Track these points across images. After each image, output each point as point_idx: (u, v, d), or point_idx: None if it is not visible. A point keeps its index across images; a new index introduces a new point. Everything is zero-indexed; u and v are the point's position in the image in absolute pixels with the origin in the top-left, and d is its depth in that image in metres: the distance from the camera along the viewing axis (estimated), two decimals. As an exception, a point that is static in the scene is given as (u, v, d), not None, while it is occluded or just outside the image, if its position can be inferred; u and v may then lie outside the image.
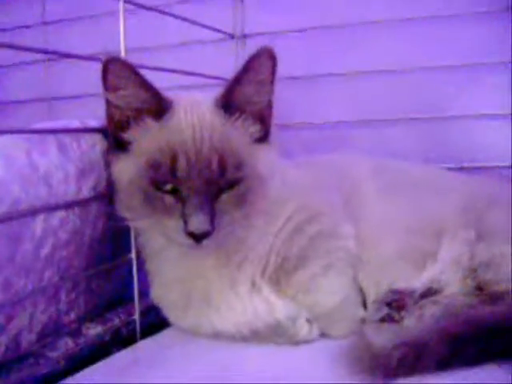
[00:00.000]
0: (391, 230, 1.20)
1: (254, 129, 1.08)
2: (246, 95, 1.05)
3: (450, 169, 1.51)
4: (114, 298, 1.35)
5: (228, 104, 1.05)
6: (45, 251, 1.05)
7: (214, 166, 1.00)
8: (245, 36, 1.80)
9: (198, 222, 0.98)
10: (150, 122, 1.04)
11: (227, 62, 1.71)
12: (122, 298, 1.36)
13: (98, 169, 1.13)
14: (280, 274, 1.15)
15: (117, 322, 1.27)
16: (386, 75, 1.65)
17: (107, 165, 1.12)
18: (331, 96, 1.74)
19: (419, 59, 1.63)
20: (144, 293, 1.25)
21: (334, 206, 1.21)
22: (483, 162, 1.56)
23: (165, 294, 1.19)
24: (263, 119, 1.08)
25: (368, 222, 1.21)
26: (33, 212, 0.98)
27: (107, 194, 1.13)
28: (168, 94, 1.07)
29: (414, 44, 1.64)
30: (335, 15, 1.69)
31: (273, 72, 1.03)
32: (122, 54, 1.18)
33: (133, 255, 1.22)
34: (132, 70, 1.01)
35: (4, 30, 2.06)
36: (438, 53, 1.62)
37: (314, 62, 1.74)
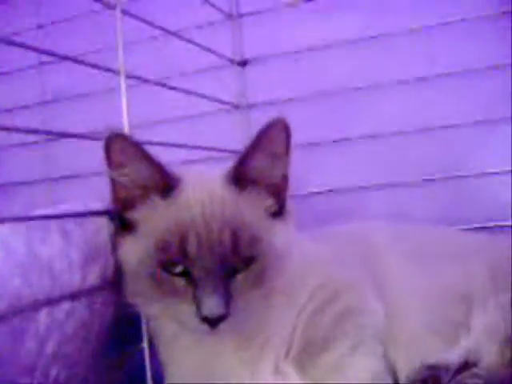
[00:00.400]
0: (418, 302, 1.15)
1: (268, 203, 1.03)
2: (259, 169, 1.00)
3: (466, 229, 1.47)
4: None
5: (239, 178, 1.00)
6: (50, 347, 0.96)
7: (227, 241, 0.94)
8: (249, 106, 1.75)
9: (211, 306, 0.91)
10: (156, 199, 0.99)
11: (233, 134, 1.68)
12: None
13: (104, 254, 1.06)
14: (305, 357, 1.08)
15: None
16: (397, 137, 1.59)
17: (114, 248, 1.05)
18: (341, 162, 1.71)
19: (429, 119, 1.61)
20: (159, 381, 1.16)
21: (357, 280, 1.15)
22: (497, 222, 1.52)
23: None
24: (278, 193, 1.03)
25: (393, 294, 1.15)
26: (36, 306, 0.90)
27: (115, 281, 1.05)
28: (175, 170, 1.02)
29: (423, 104, 1.62)
30: (340, 79, 1.65)
31: (287, 144, 0.98)
32: (126, 130, 1.12)
33: (145, 344, 1.13)
34: (136, 146, 0.96)
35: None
36: (446, 112, 1.60)
37: (320, 129, 1.71)
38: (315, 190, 1.70)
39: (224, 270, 0.94)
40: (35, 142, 1.99)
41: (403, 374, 1.10)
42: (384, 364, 1.10)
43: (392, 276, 1.18)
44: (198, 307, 0.92)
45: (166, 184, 0.99)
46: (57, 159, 2.02)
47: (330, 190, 1.68)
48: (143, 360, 1.16)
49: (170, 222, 0.96)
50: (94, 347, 1.09)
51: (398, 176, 1.64)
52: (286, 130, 0.97)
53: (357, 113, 1.68)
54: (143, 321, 1.14)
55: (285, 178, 1.02)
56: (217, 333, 0.95)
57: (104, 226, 1.07)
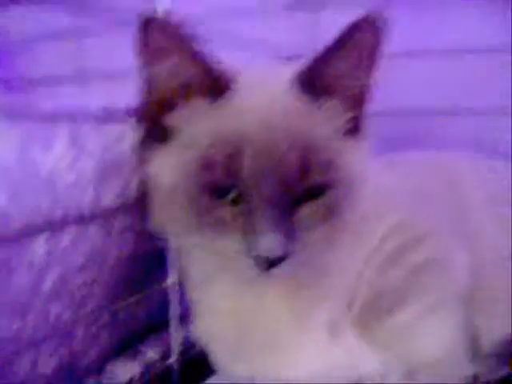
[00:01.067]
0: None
1: (345, 118, 0.81)
2: (338, 75, 0.78)
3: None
4: (146, 326, 1.08)
5: (312, 84, 0.79)
6: (48, 282, 0.75)
7: (293, 163, 0.74)
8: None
9: (270, 243, 0.73)
10: (202, 103, 0.77)
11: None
12: (156, 326, 1.08)
13: (125, 169, 0.84)
14: (370, 315, 0.88)
15: (150, 356, 1.02)
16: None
17: (140, 161, 0.82)
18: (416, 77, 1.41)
19: None
20: (185, 318, 0.98)
21: (442, 224, 0.94)
22: None
23: (213, 330, 0.92)
24: (356, 106, 0.82)
25: (481, 248, 0.96)
26: (29, 231, 0.68)
27: (139, 203, 0.84)
28: (228, 67, 0.79)
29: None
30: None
31: (377, 50, 0.78)
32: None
33: (169, 282, 0.92)
34: (180, 33, 0.74)
35: None
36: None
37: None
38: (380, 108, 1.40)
39: (287, 200, 0.75)
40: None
41: (486, 343, 0.93)
42: (463, 334, 0.91)
43: (481, 225, 0.98)
44: (252, 243, 0.73)
45: (215, 83, 0.78)
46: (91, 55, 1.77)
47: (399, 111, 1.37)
48: (167, 301, 0.96)
49: (219, 133, 0.76)
50: (108, 282, 0.89)
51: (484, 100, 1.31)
52: (379, 34, 0.77)
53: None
54: (170, 254, 0.91)
55: (367, 89, 0.81)
56: (270, 276, 0.76)
57: (127, 132, 0.84)
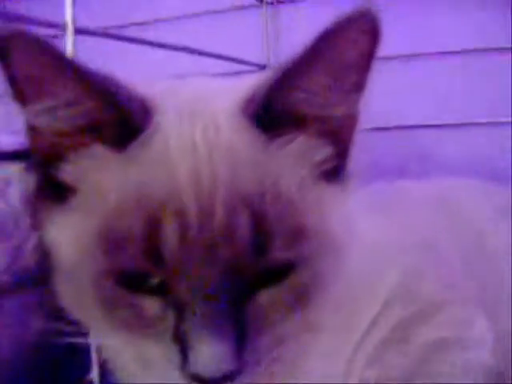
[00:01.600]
0: None
1: (322, 155, 0.57)
2: (312, 98, 0.54)
3: None
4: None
5: (271, 114, 0.54)
6: None
7: (243, 236, 0.50)
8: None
9: (212, 358, 0.50)
10: (105, 150, 0.54)
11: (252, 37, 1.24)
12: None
13: (16, 229, 0.59)
14: None
15: None
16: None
17: (34, 219, 0.60)
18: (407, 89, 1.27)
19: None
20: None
21: (456, 283, 0.74)
22: None
23: None
24: (339, 140, 0.58)
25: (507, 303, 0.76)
26: None
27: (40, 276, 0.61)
28: (145, 88, 0.55)
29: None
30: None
31: (369, 55, 0.53)
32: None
33: (95, 375, 0.70)
34: (59, 54, 0.51)
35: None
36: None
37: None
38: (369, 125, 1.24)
39: (236, 287, 0.52)
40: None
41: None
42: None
43: (505, 272, 0.78)
44: (186, 357, 0.51)
45: (123, 121, 0.53)
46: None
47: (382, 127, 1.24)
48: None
49: (129, 191, 0.52)
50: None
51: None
52: (373, 37, 0.53)
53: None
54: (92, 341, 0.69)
55: (354, 116, 0.57)
56: None
57: (19, 177, 0.60)
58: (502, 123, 1.19)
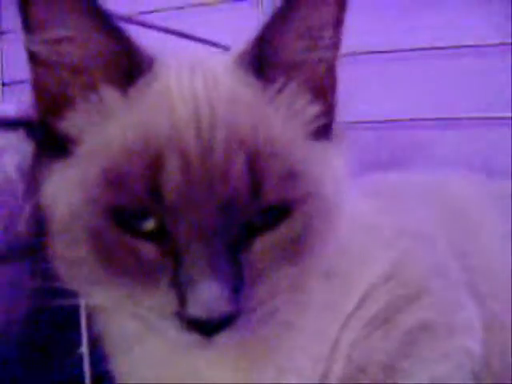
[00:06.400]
0: None
1: (311, 110, 0.61)
2: (294, 48, 0.59)
3: None
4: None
5: (263, 61, 0.59)
6: None
7: (241, 177, 0.54)
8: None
9: (209, 299, 0.51)
10: (110, 94, 0.56)
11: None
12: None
13: (11, 196, 0.60)
14: None
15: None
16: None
17: (33, 185, 0.59)
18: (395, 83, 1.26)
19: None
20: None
21: (444, 270, 0.74)
22: None
23: None
24: (322, 94, 0.62)
25: (498, 294, 0.76)
26: None
27: (33, 246, 0.60)
28: (147, 45, 0.58)
29: None
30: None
31: (340, 10, 0.59)
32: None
33: (84, 349, 0.69)
34: None
35: None
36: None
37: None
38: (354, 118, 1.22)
39: (233, 230, 0.54)
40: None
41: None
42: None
43: (498, 266, 0.79)
44: (183, 300, 0.52)
45: (128, 65, 0.56)
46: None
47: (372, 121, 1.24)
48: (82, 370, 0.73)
49: (132, 135, 0.54)
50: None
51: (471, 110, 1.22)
52: None
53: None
54: (82, 311, 0.68)
55: (332, 69, 0.61)
56: (211, 346, 0.54)
57: (16, 146, 0.60)
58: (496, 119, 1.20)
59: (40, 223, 0.58)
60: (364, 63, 1.24)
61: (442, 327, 0.70)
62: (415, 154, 1.25)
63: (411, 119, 1.24)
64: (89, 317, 0.72)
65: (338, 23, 0.59)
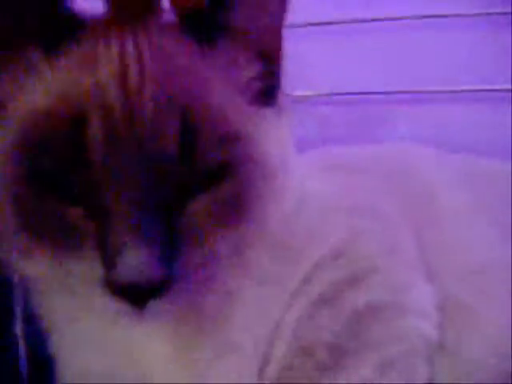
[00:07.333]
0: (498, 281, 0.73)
1: (253, 72, 0.59)
2: (240, 10, 0.57)
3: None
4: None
5: (207, 28, 0.57)
6: None
7: (171, 134, 0.51)
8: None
9: (136, 261, 0.48)
10: (35, 56, 0.54)
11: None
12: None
13: None
14: (293, 380, 0.63)
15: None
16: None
17: None
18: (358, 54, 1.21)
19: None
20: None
21: (397, 248, 0.72)
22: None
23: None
24: (268, 57, 0.60)
25: (455, 271, 0.73)
26: None
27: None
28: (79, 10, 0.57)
29: None
30: None
31: None
32: None
33: (18, 331, 0.67)
34: None
35: None
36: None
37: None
38: (310, 92, 1.20)
39: (165, 191, 0.51)
40: None
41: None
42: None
43: (455, 240, 0.76)
44: (109, 265, 0.49)
45: (56, 28, 0.54)
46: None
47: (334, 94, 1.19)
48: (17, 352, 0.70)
49: (54, 95, 0.52)
50: None
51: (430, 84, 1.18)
52: None
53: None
54: (16, 288, 0.66)
55: (278, 33, 0.60)
56: (142, 315, 0.51)
57: None
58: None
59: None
60: (335, 34, 1.22)
61: (392, 307, 0.68)
62: (375, 129, 1.22)
63: (369, 92, 1.21)
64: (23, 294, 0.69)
65: None
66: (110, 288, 0.49)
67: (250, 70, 0.58)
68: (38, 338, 0.70)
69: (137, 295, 0.49)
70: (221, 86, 0.56)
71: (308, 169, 0.72)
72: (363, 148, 0.89)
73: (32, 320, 0.69)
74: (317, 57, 1.16)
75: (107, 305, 0.51)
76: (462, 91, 1.16)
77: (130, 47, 0.54)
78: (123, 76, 0.51)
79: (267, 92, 0.60)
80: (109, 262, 0.48)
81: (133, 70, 0.52)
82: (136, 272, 0.48)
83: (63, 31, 0.54)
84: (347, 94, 1.20)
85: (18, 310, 0.70)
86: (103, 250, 0.49)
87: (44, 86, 0.52)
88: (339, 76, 1.19)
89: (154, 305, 0.50)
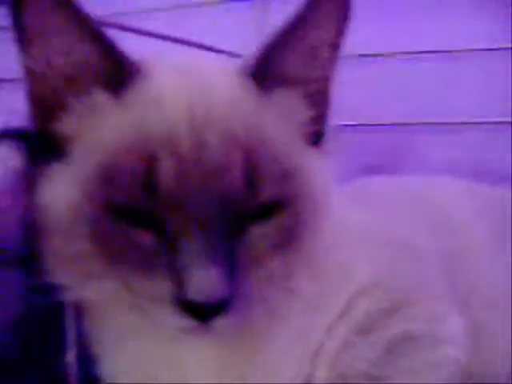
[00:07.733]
0: None
1: (305, 117, 0.64)
2: (295, 63, 0.63)
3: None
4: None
5: (265, 72, 0.61)
6: None
7: (237, 173, 0.55)
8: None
9: (206, 282, 0.52)
10: (101, 96, 0.58)
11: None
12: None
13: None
14: None
15: None
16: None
17: (30, 191, 0.59)
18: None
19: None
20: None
21: (430, 279, 0.75)
22: None
23: None
24: (320, 103, 0.65)
25: (483, 302, 0.78)
26: None
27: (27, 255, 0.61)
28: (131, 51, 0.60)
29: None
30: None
31: (341, 29, 0.62)
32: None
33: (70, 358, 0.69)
34: (68, 5, 0.56)
35: None
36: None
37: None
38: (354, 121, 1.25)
39: (228, 220, 0.56)
40: None
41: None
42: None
43: (483, 270, 0.80)
44: (180, 285, 0.53)
45: (119, 68, 0.58)
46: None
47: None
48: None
49: (128, 133, 0.56)
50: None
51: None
52: (345, 8, 0.61)
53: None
54: (68, 317, 0.68)
55: (329, 82, 0.65)
56: (209, 331, 0.55)
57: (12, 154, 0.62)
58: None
59: (30, 228, 0.59)
60: (367, 65, 1.25)
61: (427, 338, 0.71)
62: (408, 158, 1.25)
63: (406, 123, 1.24)
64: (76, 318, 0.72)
65: (337, 44, 0.62)
66: (180, 306, 0.53)
67: (302, 115, 0.63)
68: (88, 363, 0.72)
69: (204, 313, 0.53)
70: (277, 127, 0.60)
71: (346, 199, 0.75)
72: (394, 180, 0.93)
73: (84, 345, 0.72)
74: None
75: (174, 322, 0.54)
76: (501, 123, 1.19)
77: (195, 88, 0.58)
78: (191, 117, 0.56)
79: (317, 133, 0.64)
80: (178, 283, 0.52)
81: (199, 112, 0.56)
82: (205, 291, 0.52)
83: (124, 73, 0.58)
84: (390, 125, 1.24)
85: (70, 336, 0.72)
86: (173, 271, 0.53)
87: (113, 125, 0.57)
88: (377, 105, 1.23)
89: (219, 322, 0.54)
